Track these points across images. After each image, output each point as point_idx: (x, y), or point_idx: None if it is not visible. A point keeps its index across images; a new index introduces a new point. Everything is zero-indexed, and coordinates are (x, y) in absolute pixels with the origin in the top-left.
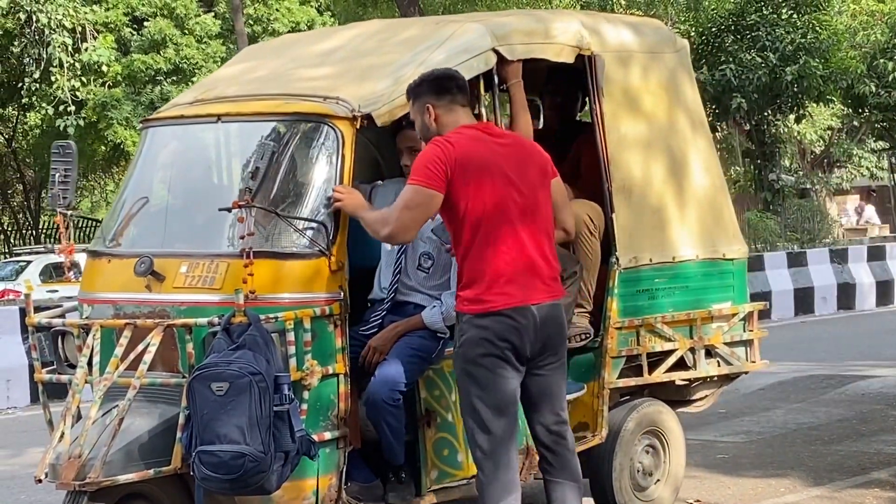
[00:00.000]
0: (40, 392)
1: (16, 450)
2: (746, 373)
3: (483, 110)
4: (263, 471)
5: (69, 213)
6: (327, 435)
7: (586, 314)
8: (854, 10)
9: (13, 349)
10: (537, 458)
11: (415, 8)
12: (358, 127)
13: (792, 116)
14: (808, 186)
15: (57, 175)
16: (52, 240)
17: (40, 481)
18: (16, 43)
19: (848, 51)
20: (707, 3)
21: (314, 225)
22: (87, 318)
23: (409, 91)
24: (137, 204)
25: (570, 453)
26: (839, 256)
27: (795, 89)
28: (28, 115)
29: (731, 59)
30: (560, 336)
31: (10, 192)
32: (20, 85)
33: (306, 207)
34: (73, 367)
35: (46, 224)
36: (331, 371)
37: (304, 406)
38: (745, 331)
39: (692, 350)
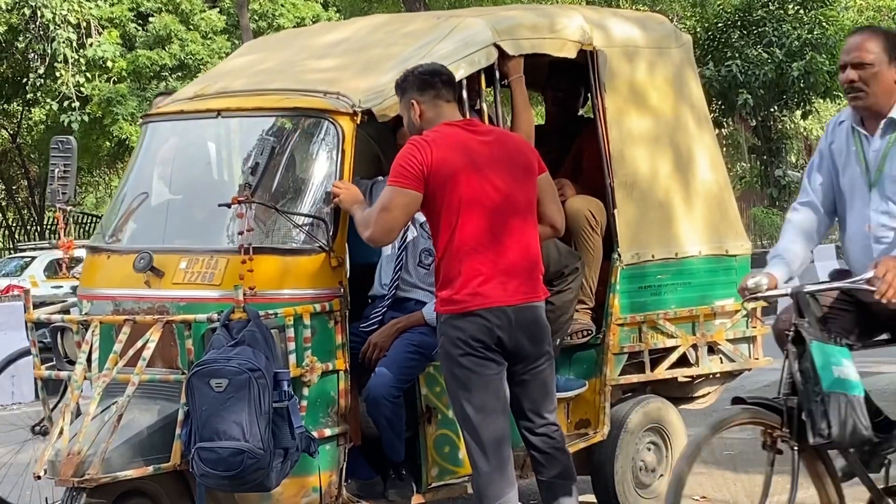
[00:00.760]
0: (39, 388)
1: (20, 445)
2: (749, 370)
3: (485, 106)
4: (263, 468)
5: (69, 208)
6: (327, 431)
7: (588, 310)
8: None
9: (18, 345)
10: None
11: (420, 3)
12: (358, 122)
13: (798, 112)
14: None
15: (56, 170)
16: (57, 236)
17: (39, 478)
18: (20, 38)
19: None
20: None
21: (314, 221)
22: (86, 314)
23: (396, 86)
24: (137, 200)
25: (561, 452)
26: None
27: (802, 85)
28: (32, 110)
29: (737, 55)
30: (539, 339)
31: (14, 187)
32: (25, 80)
33: (306, 203)
34: (73, 363)
35: (51, 220)
36: (331, 367)
37: (304, 402)
38: (747, 327)
39: (695, 347)
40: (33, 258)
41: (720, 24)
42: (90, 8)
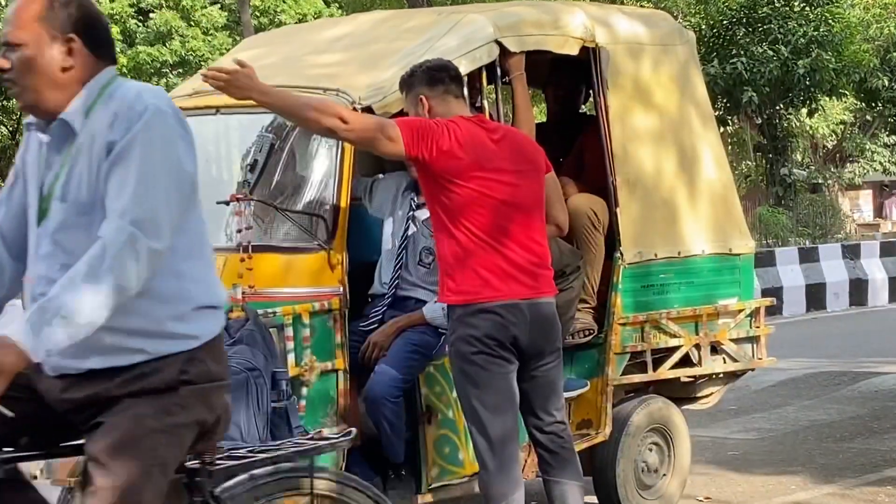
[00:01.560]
0: None
1: None
2: (752, 370)
3: (486, 103)
4: None
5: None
6: (326, 432)
7: (590, 310)
8: (867, 3)
9: None
10: None
11: None
12: None
13: (804, 110)
14: (821, 181)
15: None
16: None
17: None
18: None
19: (861, 44)
20: None
21: (313, 219)
22: None
23: (401, 83)
24: None
25: (569, 452)
26: (851, 252)
27: (808, 83)
28: None
29: (742, 53)
30: (550, 335)
31: None
32: None
33: (305, 201)
34: None
35: None
36: (330, 367)
37: (303, 402)
38: (751, 327)
39: (698, 346)
40: None
41: (725, 22)
42: None
